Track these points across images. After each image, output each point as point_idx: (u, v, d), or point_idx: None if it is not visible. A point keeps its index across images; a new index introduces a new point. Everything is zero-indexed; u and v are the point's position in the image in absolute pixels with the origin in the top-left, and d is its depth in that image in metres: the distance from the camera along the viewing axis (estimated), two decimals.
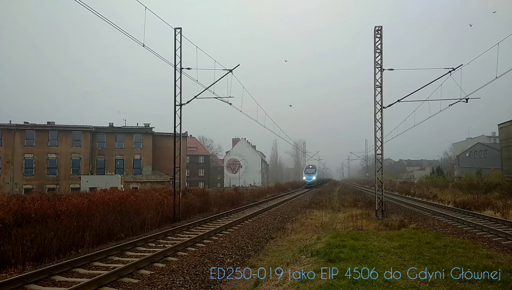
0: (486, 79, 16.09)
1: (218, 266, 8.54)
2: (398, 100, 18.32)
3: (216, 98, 19.58)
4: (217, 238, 11.88)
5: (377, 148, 17.78)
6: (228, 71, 18.90)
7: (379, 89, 17.25)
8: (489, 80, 15.69)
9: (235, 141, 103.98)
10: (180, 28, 19.12)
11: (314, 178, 56.66)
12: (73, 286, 6.28)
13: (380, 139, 17.56)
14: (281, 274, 7.07)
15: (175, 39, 19.03)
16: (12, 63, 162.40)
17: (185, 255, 9.33)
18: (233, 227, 14.23)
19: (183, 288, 6.86)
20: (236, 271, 8.50)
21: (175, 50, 19.01)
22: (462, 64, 16.59)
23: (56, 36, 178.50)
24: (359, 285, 5.71)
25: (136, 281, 7.03)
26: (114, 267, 7.84)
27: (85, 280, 6.74)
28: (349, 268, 6.61)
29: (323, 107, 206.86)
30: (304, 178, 59.02)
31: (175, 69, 18.99)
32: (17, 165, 41.67)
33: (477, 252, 8.28)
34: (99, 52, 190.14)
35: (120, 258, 9.08)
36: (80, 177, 40.29)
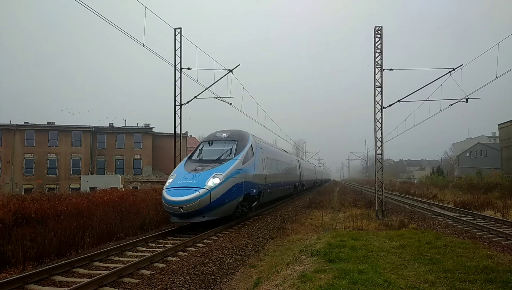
0: (486, 79, 16.17)
1: (218, 266, 8.54)
2: (398, 100, 18.32)
3: (216, 98, 19.56)
4: (217, 238, 11.87)
5: (377, 148, 17.78)
6: (228, 71, 18.90)
7: (379, 89, 17.25)
8: (489, 80, 15.73)
9: None
10: (180, 28, 19.14)
11: (216, 181, 12.09)
12: (73, 286, 6.27)
13: (380, 139, 17.55)
14: (281, 274, 7.08)
15: (175, 39, 19.03)
16: (12, 62, 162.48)
17: (185, 255, 9.32)
18: (234, 227, 14.21)
19: (183, 288, 6.86)
20: (236, 271, 8.50)
21: (175, 50, 19.02)
22: (462, 64, 16.60)
23: (56, 35, 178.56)
24: (359, 285, 5.71)
25: (136, 281, 7.03)
26: (114, 267, 7.84)
27: (85, 280, 6.74)
28: (349, 268, 6.62)
29: (323, 107, 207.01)
30: (167, 186, 12.34)
31: (175, 69, 18.99)
32: (17, 165, 41.69)
33: (477, 252, 8.28)
34: (98, 51, 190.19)
35: (120, 258, 9.07)
36: (80, 177, 40.33)
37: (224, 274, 8.10)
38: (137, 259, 8.30)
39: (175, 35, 19.03)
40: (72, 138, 43.82)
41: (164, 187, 12.36)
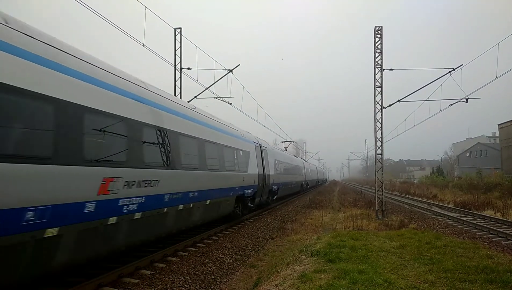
0: (486, 79, 16.07)
1: (218, 266, 8.54)
2: (398, 100, 18.32)
3: (216, 98, 19.57)
4: (217, 238, 11.88)
5: (377, 148, 17.78)
6: (228, 71, 18.90)
7: (379, 89, 17.25)
8: (489, 80, 15.69)
9: None
10: (180, 28, 19.16)
11: None
12: (73, 286, 6.27)
13: (380, 139, 17.55)
14: (281, 274, 7.08)
15: (175, 39, 19.06)
16: None
17: (185, 255, 9.33)
18: (233, 227, 14.22)
19: (183, 288, 6.87)
20: (236, 271, 8.51)
21: (175, 50, 19.04)
22: (462, 64, 16.58)
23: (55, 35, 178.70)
24: (359, 285, 5.71)
25: (136, 281, 7.02)
26: (114, 267, 7.83)
27: (85, 280, 6.73)
28: (349, 268, 6.62)
29: (323, 107, 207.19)
30: None
31: (175, 69, 19.01)
32: None
33: (477, 252, 8.28)
34: (96, 50, 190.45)
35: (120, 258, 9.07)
36: None
37: (224, 274, 8.11)
38: (136, 259, 8.29)
39: (175, 35, 19.05)
40: None
41: None
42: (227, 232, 13.04)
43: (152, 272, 7.60)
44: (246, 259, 9.59)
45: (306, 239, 11.30)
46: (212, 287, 7.19)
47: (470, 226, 14.96)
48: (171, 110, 8.70)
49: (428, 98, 18.69)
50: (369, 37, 17.50)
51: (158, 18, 14.43)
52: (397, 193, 42.08)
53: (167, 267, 8.11)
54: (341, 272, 6.36)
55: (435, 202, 27.17)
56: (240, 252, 10.23)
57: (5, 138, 4.38)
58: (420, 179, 69.65)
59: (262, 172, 17.71)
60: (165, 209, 8.06)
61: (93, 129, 5.82)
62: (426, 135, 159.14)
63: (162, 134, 7.96)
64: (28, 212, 4.49)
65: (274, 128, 34.27)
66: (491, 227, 14.17)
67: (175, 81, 19.03)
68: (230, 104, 19.65)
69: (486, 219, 16.78)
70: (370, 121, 17.94)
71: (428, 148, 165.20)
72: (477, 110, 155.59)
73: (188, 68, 18.89)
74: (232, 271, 8.45)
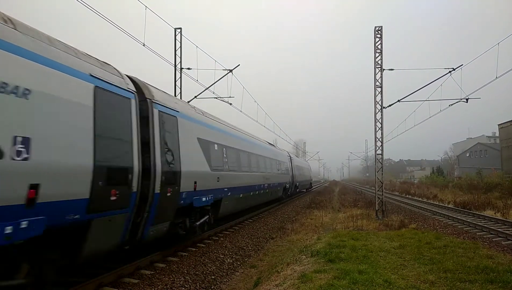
0: (486, 79, 16.07)
1: (218, 266, 8.54)
2: (398, 100, 18.32)
3: (216, 98, 19.59)
4: (217, 238, 11.88)
5: (377, 148, 17.78)
6: (228, 71, 18.90)
7: (379, 89, 17.24)
8: (489, 80, 15.68)
9: None
10: (180, 28, 19.17)
11: None
12: (73, 286, 6.26)
13: (380, 139, 17.55)
14: (281, 274, 7.07)
15: (175, 39, 19.06)
16: None
17: (185, 255, 9.33)
18: (233, 227, 14.22)
19: (183, 288, 6.87)
20: (236, 271, 8.50)
21: (175, 50, 19.04)
22: (462, 64, 16.58)
23: (55, 35, 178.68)
24: (359, 285, 5.71)
25: (136, 281, 7.02)
26: (114, 267, 7.83)
27: (85, 279, 6.73)
28: (349, 268, 6.61)
29: (323, 107, 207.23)
30: None
31: (175, 69, 19.02)
32: None
33: (477, 252, 8.28)
34: (96, 50, 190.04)
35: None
36: None
37: (224, 274, 8.11)
38: (137, 259, 8.29)
39: (175, 35, 19.06)
40: None
41: None
42: (227, 232, 13.04)
43: (152, 272, 7.60)
44: (246, 259, 9.59)
45: (306, 239, 11.29)
46: (212, 287, 7.19)
47: (470, 226, 14.96)
48: (277, 152, 23.52)
49: (428, 98, 18.71)
50: (369, 37, 17.50)
51: (159, 18, 14.44)
52: (397, 193, 42.08)
53: (167, 267, 8.11)
54: (341, 272, 6.36)
55: (435, 202, 27.17)
56: (240, 252, 10.22)
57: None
58: (420, 179, 69.61)
59: (291, 174, 28.06)
60: (273, 188, 19.80)
61: (266, 164, 18.98)
62: (426, 135, 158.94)
63: (275, 162, 20.92)
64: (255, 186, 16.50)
65: (274, 128, 34.43)
66: (491, 227, 14.17)
67: (175, 81, 19.03)
68: (230, 104, 19.67)
69: (486, 219, 16.78)
70: (370, 121, 17.96)
71: (428, 148, 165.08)
72: (477, 110, 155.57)
73: (188, 68, 18.91)
74: (232, 271, 8.45)
